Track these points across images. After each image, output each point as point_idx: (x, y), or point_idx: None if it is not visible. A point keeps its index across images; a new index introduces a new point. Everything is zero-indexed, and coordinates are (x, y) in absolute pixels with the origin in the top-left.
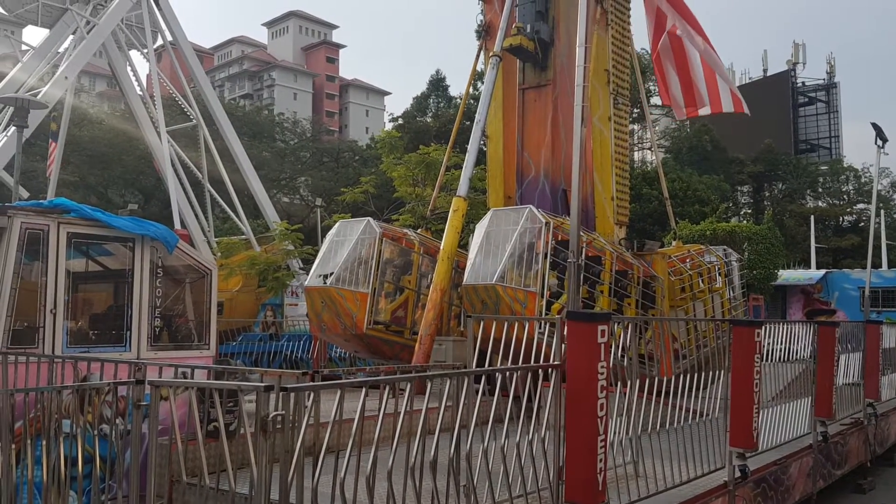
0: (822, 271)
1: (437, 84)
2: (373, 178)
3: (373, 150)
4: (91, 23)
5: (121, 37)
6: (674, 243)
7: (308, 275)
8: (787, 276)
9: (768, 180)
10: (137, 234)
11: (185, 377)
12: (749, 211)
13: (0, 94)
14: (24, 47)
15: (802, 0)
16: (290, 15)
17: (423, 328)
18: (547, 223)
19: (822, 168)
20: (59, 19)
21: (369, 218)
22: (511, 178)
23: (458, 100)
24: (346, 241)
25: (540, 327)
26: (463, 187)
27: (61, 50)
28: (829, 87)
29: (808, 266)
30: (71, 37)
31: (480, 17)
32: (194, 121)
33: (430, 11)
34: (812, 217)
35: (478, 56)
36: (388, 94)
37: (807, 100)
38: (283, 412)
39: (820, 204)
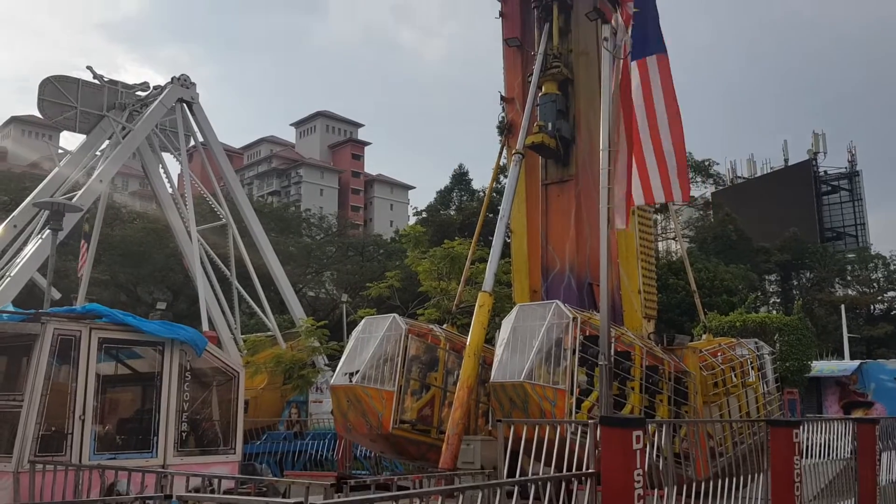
0: (857, 362)
1: (460, 178)
2: (397, 273)
3: (397, 243)
4: (126, 128)
5: (154, 140)
6: (704, 336)
7: (333, 371)
8: (821, 367)
9: (795, 269)
10: (167, 337)
11: (212, 484)
12: (778, 300)
13: (37, 198)
14: (60, 151)
15: (820, 90)
16: (318, 115)
17: (450, 427)
18: (574, 318)
19: (850, 256)
20: (96, 125)
21: (395, 314)
22: (536, 272)
23: (481, 193)
24: (372, 338)
25: (571, 427)
26: (488, 282)
27: (97, 153)
28: (852, 175)
29: (841, 356)
30: (107, 141)
31: (502, 115)
32: (224, 220)
33: (451, 108)
34: (843, 306)
35: (501, 152)
36: (411, 188)
37: (830, 188)
38: None
39: (849, 292)
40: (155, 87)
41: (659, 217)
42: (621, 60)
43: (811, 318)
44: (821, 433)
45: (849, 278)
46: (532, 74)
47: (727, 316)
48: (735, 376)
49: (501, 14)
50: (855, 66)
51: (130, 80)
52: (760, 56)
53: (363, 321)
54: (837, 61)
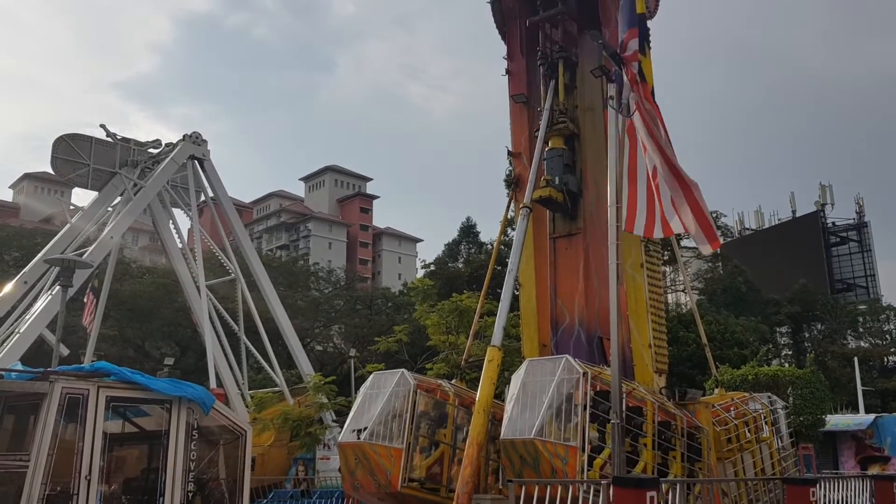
0: (872, 416)
1: (468, 231)
2: (406, 327)
3: (405, 296)
4: (138, 185)
5: (165, 196)
6: (716, 390)
7: (341, 427)
8: (836, 421)
9: (807, 321)
10: (175, 395)
11: None
12: (789, 353)
13: (48, 254)
14: (72, 207)
15: (825, 142)
16: (327, 169)
17: (459, 486)
18: (584, 373)
19: (861, 307)
20: (108, 182)
21: (403, 369)
22: (545, 325)
23: (489, 246)
24: (380, 394)
25: (584, 487)
26: (497, 337)
27: (109, 209)
28: (860, 226)
29: (855, 410)
30: (118, 197)
31: (509, 169)
32: (232, 274)
33: (459, 162)
34: (856, 358)
35: (508, 205)
36: (419, 241)
37: (838, 239)
38: None
39: (862, 344)
40: (167, 145)
41: (667, 269)
42: (629, 118)
43: (824, 370)
44: (838, 490)
45: (861, 330)
46: (538, 129)
47: (739, 369)
48: (749, 431)
49: (508, 71)
50: (861, 117)
51: (143, 138)
52: (767, 109)
53: (371, 376)
54: (844, 113)
